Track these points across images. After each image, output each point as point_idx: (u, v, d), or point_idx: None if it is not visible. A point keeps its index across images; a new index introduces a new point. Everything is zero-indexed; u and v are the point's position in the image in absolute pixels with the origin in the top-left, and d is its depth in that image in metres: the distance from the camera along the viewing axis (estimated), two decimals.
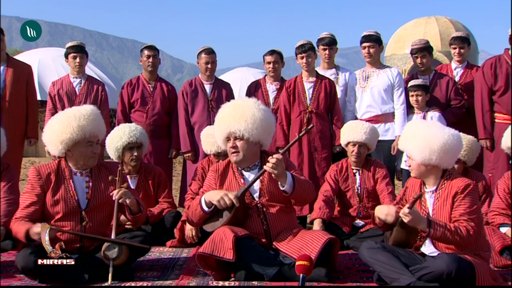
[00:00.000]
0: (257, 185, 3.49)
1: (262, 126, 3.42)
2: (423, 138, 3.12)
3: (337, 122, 5.11)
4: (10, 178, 3.96)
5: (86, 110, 3.41)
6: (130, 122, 5.15)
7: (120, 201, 3.32)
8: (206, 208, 3.39)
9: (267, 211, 3.46)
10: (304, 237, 3.35)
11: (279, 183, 3.36)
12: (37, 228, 3.12)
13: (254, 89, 5.56)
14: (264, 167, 3.29)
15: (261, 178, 3.46)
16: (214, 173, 3.59)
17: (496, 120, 5.02)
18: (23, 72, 5.42)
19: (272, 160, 3.26)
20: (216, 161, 4.49)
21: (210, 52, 5.45)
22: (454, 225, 3.00)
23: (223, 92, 5.48)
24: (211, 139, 4.41)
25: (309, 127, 3.62)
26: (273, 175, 3.31)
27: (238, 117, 3.41)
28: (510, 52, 5.02)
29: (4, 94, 5.22)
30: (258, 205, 3.48)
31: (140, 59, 5.64)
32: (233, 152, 3.47)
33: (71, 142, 3.30)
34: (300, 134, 3.51)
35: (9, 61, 5.37)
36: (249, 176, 3.53)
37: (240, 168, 3.56)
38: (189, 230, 4.19)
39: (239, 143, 3.44)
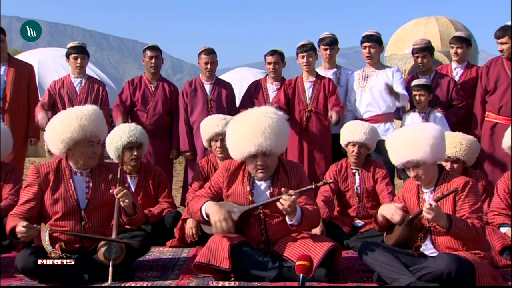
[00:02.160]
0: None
1: (282, 135, 3.31)
2: (411, 141, 3.11)
3: (336, 106, 4.97)
4: (16, 181, 4.10)
5: (88, 109, 3.40)
6: (130, 121, 5.15)
7: (119, 200, 3.29)
8: (206, 218, 3.34)
9: (269, 222, 3.40)
10: (307, 242, 3.30)
11: (286, 217, 3.24)
12: (20, 227, 3.08)
13: (255, 89, 5.55)
14: (278, 204, 3.16)
15: (271, 191, 3.39)
16: (225, 172, 3.48)
17: (486, 119, 5.04)
18: (25, 72, 5.42)
19: (290, 199, 3.09)
20: (216, 153, 4.48)
21: (210, 52, 5.44)
22: (470, 221, 3.01)
23: (223, 92, 5.48)
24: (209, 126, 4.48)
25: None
26: (284, 211, 3.18)
27: (260, 132, 3.21)
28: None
29: (5, 94, 5.22)
30: (261, 215, 3.41)
31: (142, 59, 5.62)
32: (261, 170, 3.33)
33: (71, 141, 3.30)
34: (318, 184, 3.33)
35: (11, 61, 5.37)
36: (261, 184, 3.44)
37: (252, 175, 3.45)
38: (189, 228, 4.18)
39: (267, 160, 3.32)
